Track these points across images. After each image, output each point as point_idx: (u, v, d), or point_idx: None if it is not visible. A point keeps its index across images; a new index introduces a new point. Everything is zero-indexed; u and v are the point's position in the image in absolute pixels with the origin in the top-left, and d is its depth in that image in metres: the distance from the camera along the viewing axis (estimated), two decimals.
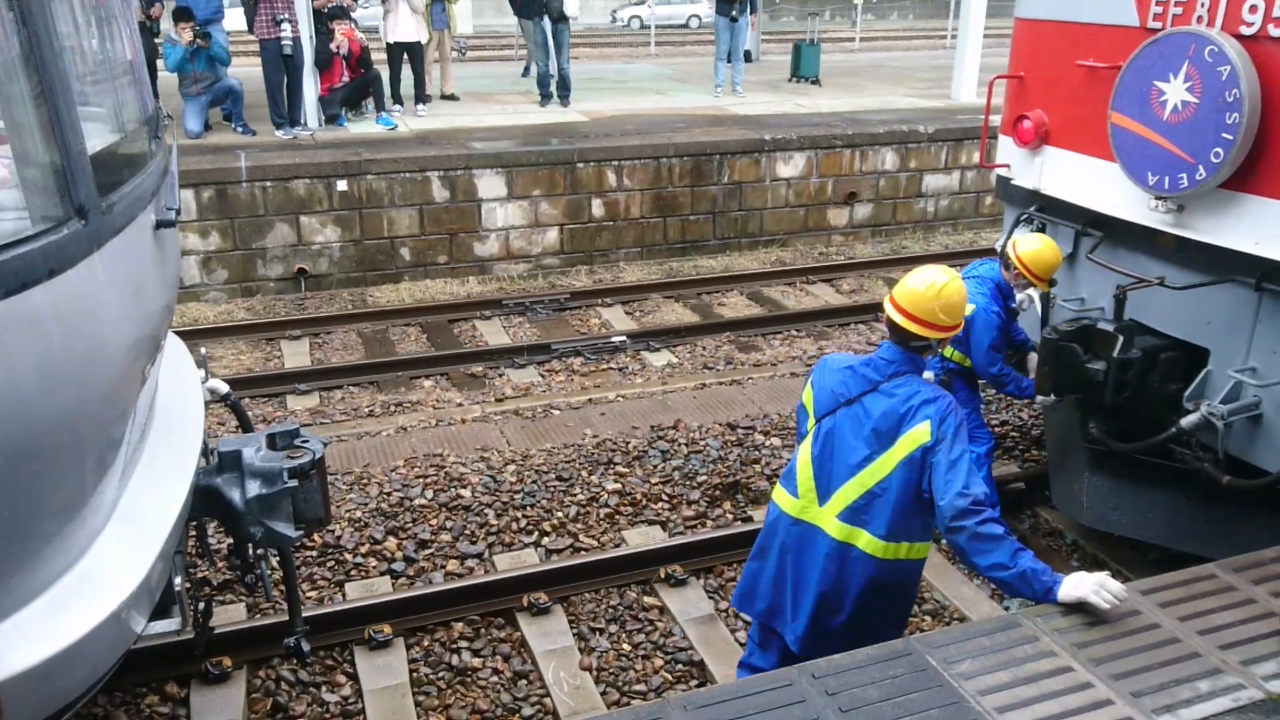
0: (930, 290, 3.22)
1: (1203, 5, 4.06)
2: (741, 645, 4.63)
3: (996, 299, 4.99)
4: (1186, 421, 4.17)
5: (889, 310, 3.29)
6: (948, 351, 5.05)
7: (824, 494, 3.31)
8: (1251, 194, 3.99)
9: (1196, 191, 4.11)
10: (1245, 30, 3.89)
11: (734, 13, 14.28)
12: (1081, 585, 3.04)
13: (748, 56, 16.89)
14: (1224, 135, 3.91)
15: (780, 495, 3.44)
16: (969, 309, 4.80)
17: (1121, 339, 4.34)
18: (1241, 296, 4.08)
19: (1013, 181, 5.32)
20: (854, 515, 3.24)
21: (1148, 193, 4.33)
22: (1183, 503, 4.67)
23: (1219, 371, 4.22)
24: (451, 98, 13.78)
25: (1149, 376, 4.38)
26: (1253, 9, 3.85)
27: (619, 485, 5.79)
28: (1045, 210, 5.08)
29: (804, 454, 3.37)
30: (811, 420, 3.38)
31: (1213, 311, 4.23)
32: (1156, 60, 4.17)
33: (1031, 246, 4.79)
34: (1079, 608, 3.06)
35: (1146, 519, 4.82)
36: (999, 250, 5.37)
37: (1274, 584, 3.24)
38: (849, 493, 3.25)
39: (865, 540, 3.23)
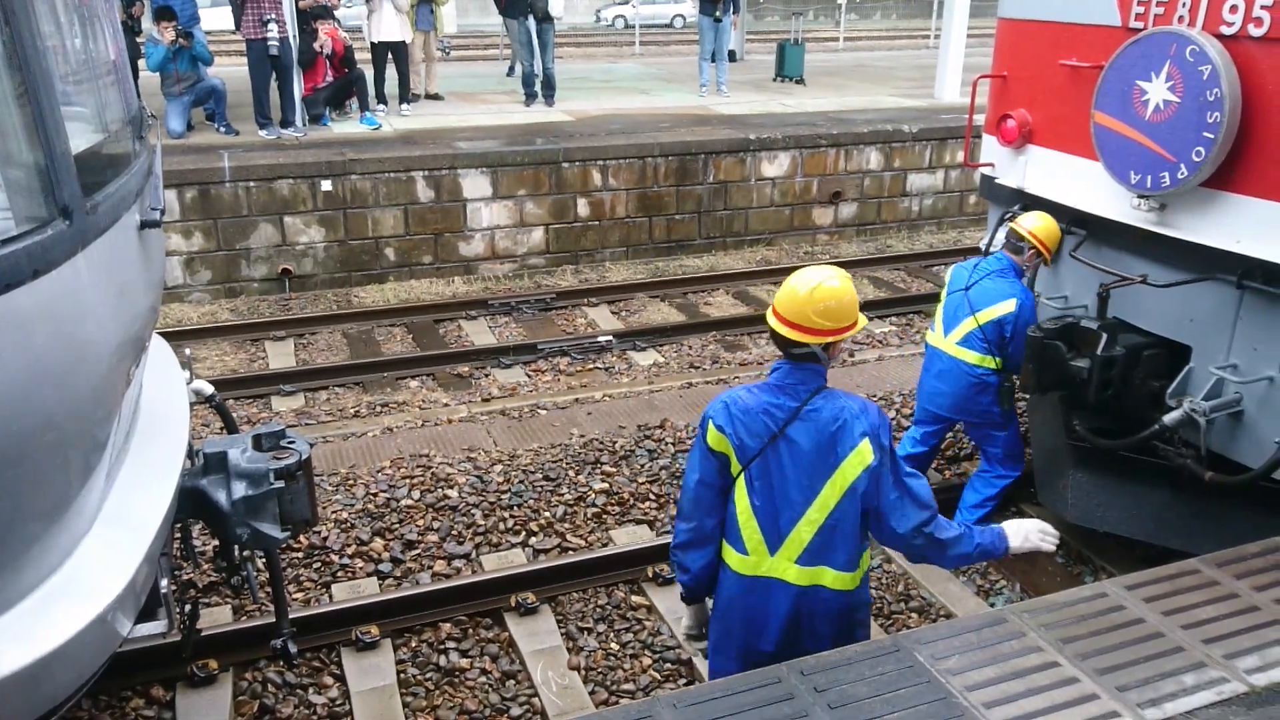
0: (801, 291, 2.96)
1: (1184, 5, 4.09)
2: None
3: (1026, 288, 4.97)
4: (1169, 418, 4.20)
5: (768, 317, 3.04)
6: (992, 362, 4.93)
7: (774, 544, 3.01)
8: (1232, 192, 4.02)
9: (1178, 190, 4.14)
10: (1226, 30, 3.92)
11: (718, 13, 14.30)
12: (1030, 537, 3.11)
13: (732, 56, 16.92)
14: (1205, 134, 3.94)
15: (728, 554, 3.10)
16: (1010, 306, 4.80)
17: (1105, 337, 4.37)
18: (1223, 294, 4.12)
19: (997, 180, 5.35)
20: (814, 556, 2.99)
21: (1130, 191, 4.36)
22: (1166, 499, 4.70)
23: (1201, 368, 4.25)
24: (436, 97, 13.75)
25: (1132, 374, 4.41)
26: (1233, 9, 3.88)
27: (606, 485, 5.79)
28: (1029, 209, 5.10)
29: (742, 505, 3.03)
30: (736, 467, 3.02)
31: (1195, 309, 4.26)
32: (1138, 60, 4.20)
33: (1039, 223, 4.84)
34: (1065, 603, 3.08)
35: (1131, 515, 4.85)
36: (984, 248, 5.40)
37: (1257, 578, 3.27)
38: (802, 535, 2.98)
39: (831, 577, 3.01)
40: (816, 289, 2.96)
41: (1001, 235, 5.09)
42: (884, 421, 2.98)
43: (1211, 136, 3.92)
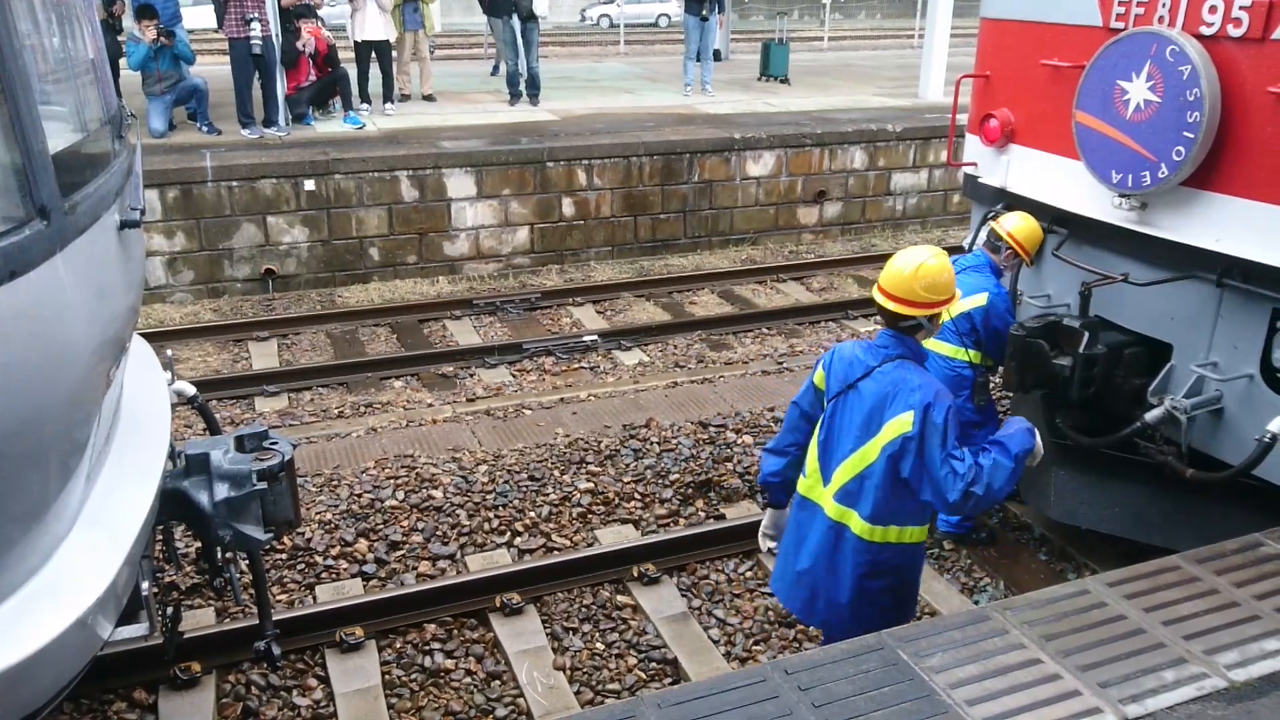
0: (908, 269, 3.27)
1: (1164, 6, 4.12)
2: (714, 643, 4.65)
3: (1000, 284, 4.99)
4: (1151, 416, 4.23)
5: (875, 294, 3.36)
6: (965, 355, 4.98)
7: (826, 475, 3.44)
8: (1212, 191, 4.05)
9: (1159, 189, 4.16)
10: (1205, 30, 3.95)
11: (703, 12, 14.31)
12: (1033, 436, 3.31)
13: (717, 56, 16.94)
14: (1185, 134, 3.97)
15: (799, 479, 3.60)
16: (981, 300, 4.84)
17: (1087, 335, 4.40)
18: (1203, 292, 4.15)
19: (980, 180, 5.37)
20: (846, 497, 3.36)
21: (1111, 190, 4.39)
22: (1148, 496, 4.73)
23: (1182, 366, 4.28)
24: (429, 99, 13.69)
25: (1114, 372, 4.44)
26: (1212, 9, 3.91)
27: (591, 484, 5.78)
28: (1012, 208, 5.13)
29: (814, 437, 3.51)
30: (824, 404, 3.49)
31: (1175, 307, 4.29)
32: (1119, 60, 4.23)
33: (1019, 223, 4.85)
34: (1047, 600, 3.10)
35: (1112, 512, 4.88)
36: (967, 247, 5.42)
37: (1236, 575, 3.30)
38: (843, 475, 3.36)
39: (855, 522, 3.35)
40: (920, 267, 3.28)
41: (984, 234, 5.11)
42: (942, 403, 3.17)
43: (1191, 136, 3.95)
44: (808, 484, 3.52)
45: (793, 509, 3.64)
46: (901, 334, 3.35)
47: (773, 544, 3.83)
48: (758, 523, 5.32)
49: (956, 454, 3.14)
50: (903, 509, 3.32)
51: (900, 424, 3.19)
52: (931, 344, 5.05)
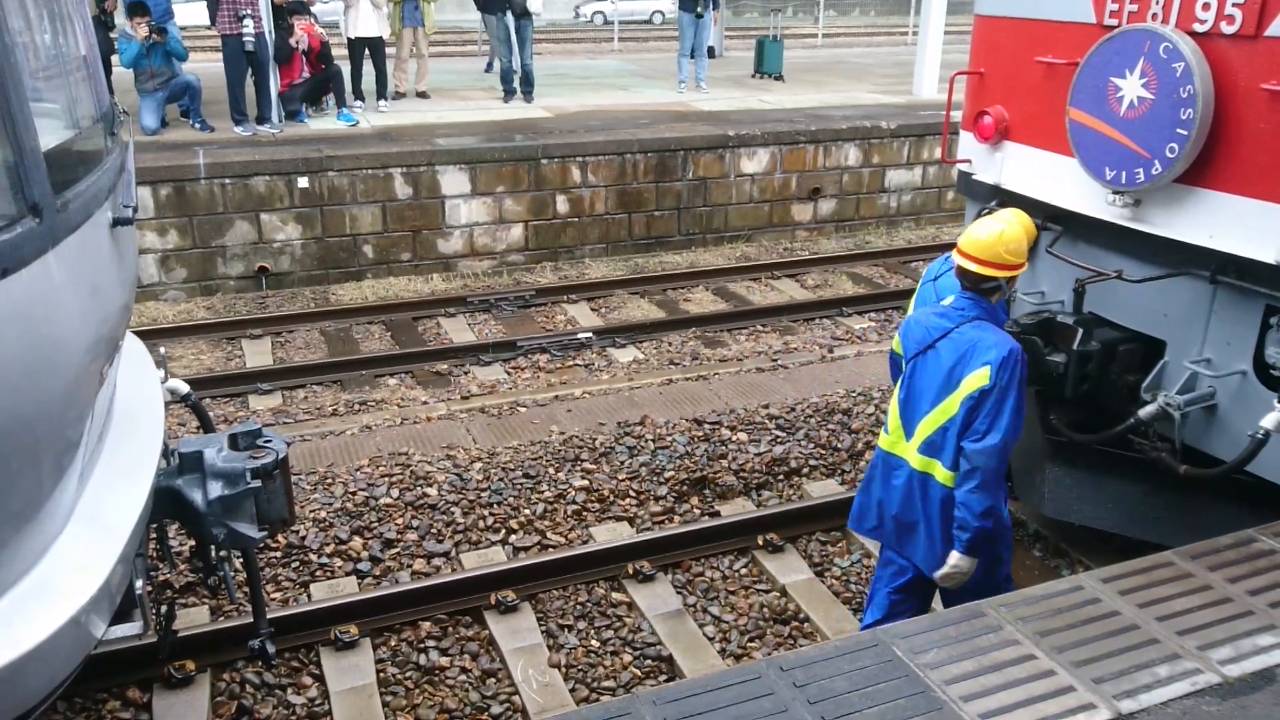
0: (993, 235, 3.62)
1: (1157, 3, 4.12)
2: (710, 640, 4.65)
3: None
4: (1144, 412, 4.24)
5: (959, 260, 3.69)
6: None
7: (909, 431, 3.76)
8: (1206, 188, 4.05)
9: (1153, 186, 4.17)
10: (1199, 27, 3.95)
11: (698, 9, 14.29)
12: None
13: (711, 53, 16.92)
14: (1179, 131, 3.98)
15: (880, 434, 3.95)
16: None
17: (1081, 332, 4.41)
18: (1197, 289, 4.15)
19: (974, 176, 5.37)
20: (930, 449, 3.69)
21: (1105, 187, 4.39)
22: (1141, 492, 4.74)
23: (1175, 363, 4.29)
24: (424, 95, 13.67)
25: (1108, 368, 4.45)
26: (1205, 6, 3.92)
27: (586, 482, 5.78)
28: (1006, 205, 5.13)
29: (894, 395, 3.86)
30: (904, 365, 3.83)
31: (1169, 304, 4.30)
32: (1113, 57, 4.23)
33: (1012, 218, 4.86)
34: (1042, 597, 3.11)
35: (1106, 509, 4.89)
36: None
37: (1229, 570, 3.31)
38: (925, 428, 3.69)
39: (940, 472, 3.66)
40: (1004, 231, 3.65)
41: None
42: (1016, 360, 3.52)
43: (1185, 133, 3.95)
44: (890, 440, 3.85)
45: (873, 463, 3.98)
46: (980, 296, 3.68)
47: None
48: (752, 520, 5.40)
49: (1006, 422, 3.48)
50: None
51: (978, 378, 3.51)
52: None
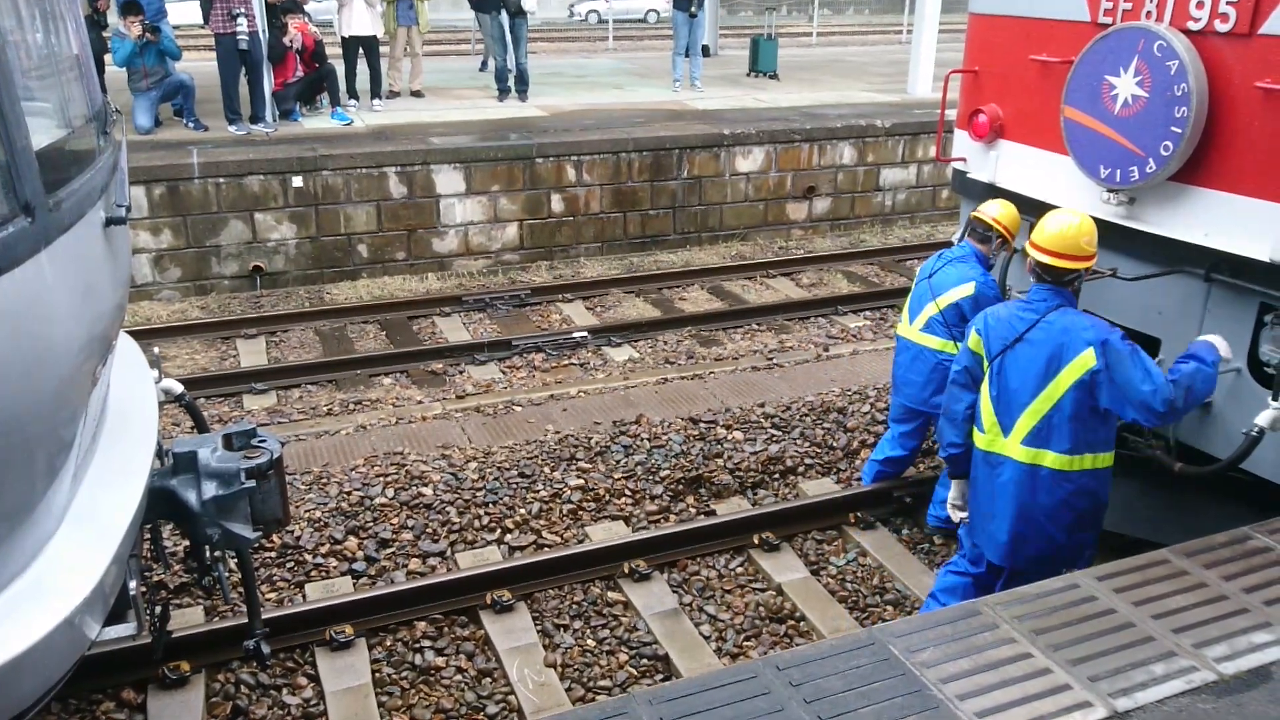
0: (1071, 228, 3.71)
1: (1151, 1, 4.13)
2: (706, 639, 4.65)
3: (986, 273, 5.03)
4: None
5: (1038, 257, 3.76)
6: (954, 347, 5.01)
7: (1006, 426, 3.82)
8: (1200, 186, 4.06)
9: (1147, 184, 4.18)
10: (1193, 25, 3.96)
11: (692, 8, 14.29)
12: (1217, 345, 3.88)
13: (706, 51, 16.92)
14: (1173, 129, 3.98)
15: (975, 435, 3.98)
16: (968, 289, 4.90)
17: None
18: (1191, 287, 4.16)
19: (968, 175, 5.38)
20: (1036, 439, 3.74)
21: (1100, 185, 4.40)
22: (1137, 490, 4.75)
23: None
24: (418, 94, 13.64)
25: None
26: (1199, 5, 3.92)
27: (581, 481, 5.78)
28: None
29: (984, 393, 3.91)
30: (986, 364, 3.90)
31: (1164, 302, 4.31)
32: (1107, 55, 4.24)
33: (1002, 209, 4.91)
34: (1038, 595, 3.11)
35: None
36: (956, 241, 5.43)
37: (1225, 568, 3.31)
38: (1028, 420, 3.75)
39: (1051, 459, 3.74)
40: (1082, 223, 3.74)
41: (964, 225, 5.14)
42: (1115, 334, 3.65)
43: (1179, 131, 3.96)
44: (987, 438, 3.90)
45: (974, 465, 4.00)
46: (1061, 287, 3.76)
47: (963, 514, 4.22)
48: (748, 519, 5.39)
49: (1152, 371, 3.58)
50: (1094, 437, 3.74)
51: (1084, 360, 3.61)
52: (919, 337, 5.09)
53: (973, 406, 4.00)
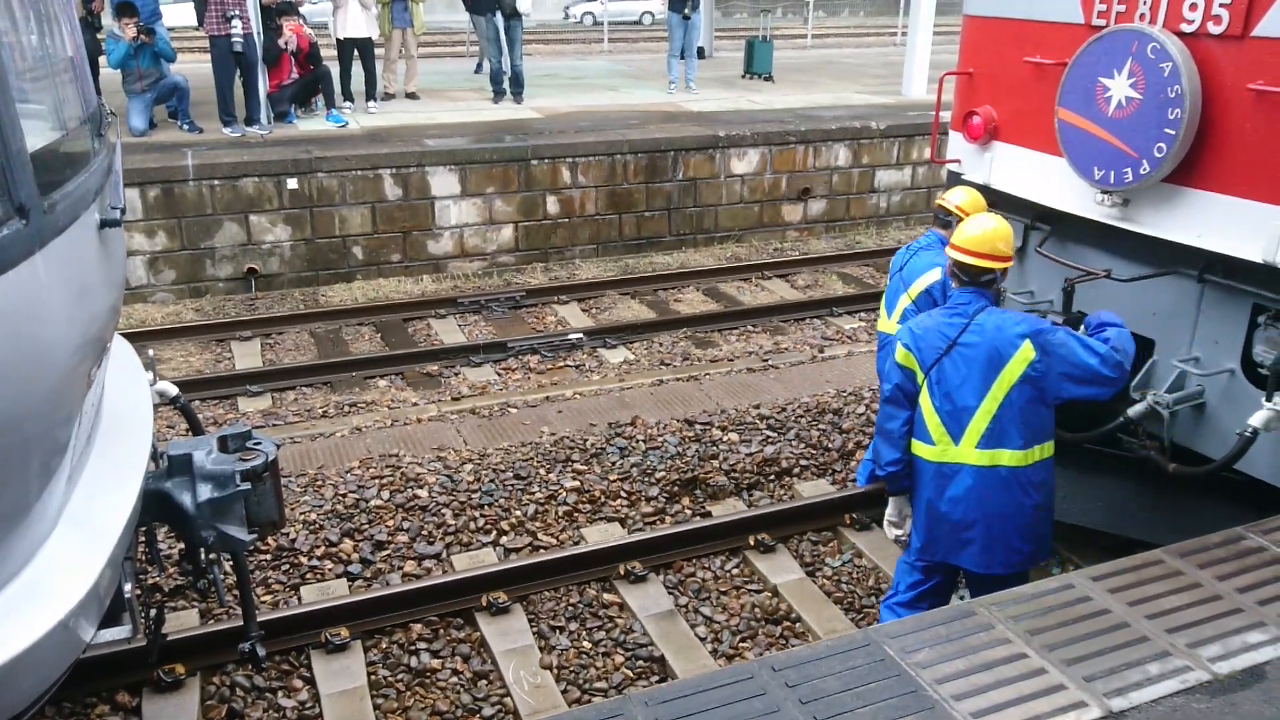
0: (988, 231, 3.79)
1: (1145, 3, 4.14)
2: (701, 640, 4.65)
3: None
4: (1133, 411, 4.26)
5: (958, 257, 3.81)
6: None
7: (956, 434, 3.78)
8: (1193, 188, 4.07)
9: (1141, 186, 4.19)
10: (1186, 28, 3.97)
11: (687, 10, 14.30)
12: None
13: (701, 53, 16.93)
14: (1166, 130, 3.99)
15: (919, 448, 3.90)
16: (935, 274, 4.92)
17: None
18: (1185, 288, 4.18)
19: (963, 177, 5.39)
20: (991, 440, 3.73)
21: (1094, 187, 4.41)
22: (1131, 490, 4.76)
23: (1164, 361, 4.31)
24: (413, 96, 13.64)
25: None
26: (1193, 7, 3.94)
27: (577, 483, 5.78)
28: (995, 205, 5.14)
29: (926, 406, 3.84)
30: (921, 377, 3.84)
31: (1158, 303, 4.32)
32: (1101, 57, 4.25)
33: (966, 197, 4.87)
34: (1033, 595, 3.12)
35: (1096, 507, 4.91)
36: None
37: (1219, 568, 3.32)
38: (979, 423, 3.73)
39: (1008, 456, 3.73)
40: (998, 225, 3.82)
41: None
42: (1044, 322, 3.72)
43: (1173, 133, 3.97)
44: (938, 450, 3.83)
45: (923, 482, 3.92)
46: (982, 289, 3.81)
47: (899, 532, 4.15)
48: (744, 520, 5.39)
49: (1090, 342, 3.66)
50: (1043, 427, 3.77)
51: (1024, 354, 3.64)
52: (896, 329, 5.11)
53: (909, 423, 3.92)
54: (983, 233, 3.80)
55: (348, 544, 5.17)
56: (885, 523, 4.26)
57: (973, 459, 3.76)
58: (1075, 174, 4.47)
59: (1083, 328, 4.00)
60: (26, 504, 2.31)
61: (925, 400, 3.84)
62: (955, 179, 5.49)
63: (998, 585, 3.65)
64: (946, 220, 4.94)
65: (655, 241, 11.39)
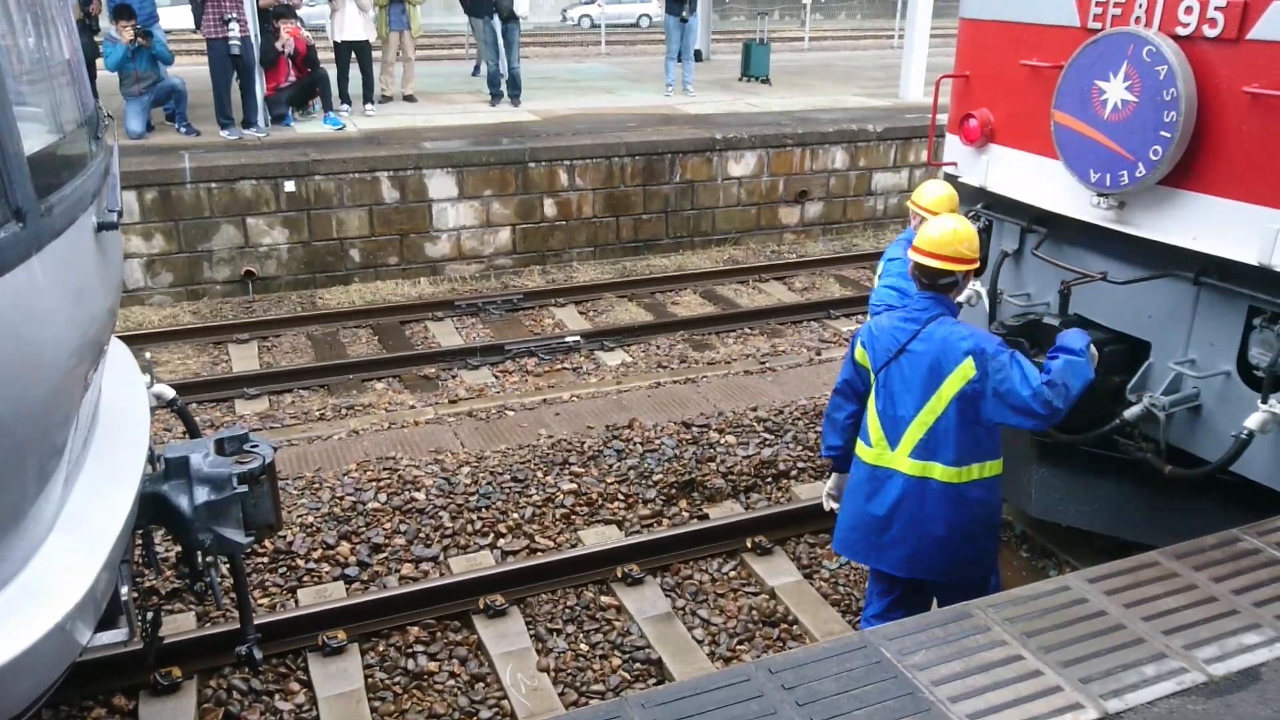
0: (949, 233, 3.66)
1: (1140, 6, 4.15)
2: (699, 642, 4.65)
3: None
4: (1130, 413, 4.26)
5: (916, 258, 3.69)
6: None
7: (893, 439, 3.71)
8: (1189, 190, 4.08)
9: (1136, 188, 4.19)
10: (1181, 31, 3.98)
11: (684, 12, 14.32)
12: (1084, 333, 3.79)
13: (698, 56, 16.95)
14: (1162, 133, 4.00)
15: (859, 448, 3.87)
16: (887, 267, 4.96)
17: None
18: (1181, 291, 4.18)
19: (960, 179, 5.39)
20: (924, 451, 3.65)
21: (1090, 189, 4.42)
22: (1127, 493, 4.77)
23: (1160, 364, 4.31)
24: (411, 99, 13.64)
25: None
26: (1188, 10, 3.94)
27: (574, 485, 5.78)
28: (991, 207, 5.16)
29: (870, 407, 3.81)
30: (872, 377, 3.79)
31: (1153, 306, 4.33)
32: (1097, 60, 4.26)
33: (929, 196, 4.69)
34: (1029, 597, 3.12)
35: (1092, 509, 4.91)
36: None
37: (1214, 570, 3.33)
38: (915, 432, 3.65)
39: (939, 470, 3.64)
40: (960, 228, 3.69)
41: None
42: (992, 342, 3.58)
43: (1168, 135, 3.98)
44: (875, 453, 3.77)
45: (858, 480, 3.88)
46: (939, 293, 3.70)
47: (835, 505, 4.17)
48: (741, 522, 5.40)
49: (1029, 375, 3.49)
50: (980, 447, 3.66)
51: (964, 371, 3.53)
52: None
53: (854, 416, 3.92)
54: (942, 234, 3.68)
55: (345, 547, 5.17)
56: (824, 495, 4.30)
57: (905, 467, 3.69)
58: (1071, 176, 4.47)
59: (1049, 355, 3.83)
60: (23, 506, 2.31)
61: (871, 401, 3.81)
62: (952, 182, 5.49)
63: (958, 594, 3.64)
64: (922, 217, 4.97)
65: (652, 244, 11.40)
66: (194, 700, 4.19)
